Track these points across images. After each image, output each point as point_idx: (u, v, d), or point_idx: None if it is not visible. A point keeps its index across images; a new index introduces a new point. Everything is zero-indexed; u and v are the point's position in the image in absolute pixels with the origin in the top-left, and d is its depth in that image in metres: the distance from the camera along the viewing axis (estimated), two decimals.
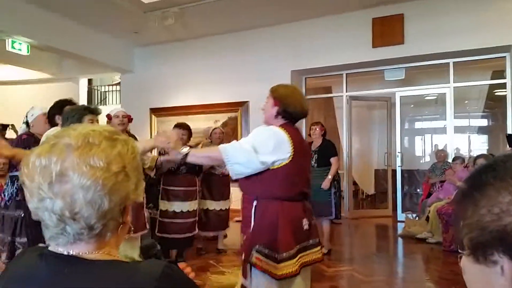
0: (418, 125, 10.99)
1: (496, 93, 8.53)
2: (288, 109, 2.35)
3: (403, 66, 7.72)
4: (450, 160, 7.13)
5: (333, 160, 5.39)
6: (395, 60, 7.40)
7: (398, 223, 7.50)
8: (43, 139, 2.86)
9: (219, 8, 7.18)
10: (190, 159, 2.39)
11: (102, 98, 13.71)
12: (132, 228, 3.35)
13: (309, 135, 5.68)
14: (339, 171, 5.73)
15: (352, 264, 5.09)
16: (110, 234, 0.85)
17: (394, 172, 8.36)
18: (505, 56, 7.03)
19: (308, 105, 2.49)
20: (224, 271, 4.33)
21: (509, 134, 5.61)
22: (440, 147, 8.43)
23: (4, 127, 5.47)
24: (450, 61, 7.37)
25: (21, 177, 0.84)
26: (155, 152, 4.90)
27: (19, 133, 3.89)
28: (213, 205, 5.28)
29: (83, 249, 0.83)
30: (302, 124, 7.02)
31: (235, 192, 5.74)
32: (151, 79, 9.23)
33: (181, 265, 1.16)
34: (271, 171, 2.26)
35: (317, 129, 5.55)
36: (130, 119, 4.07)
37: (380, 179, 9.58)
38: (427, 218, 6.28)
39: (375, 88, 8.78)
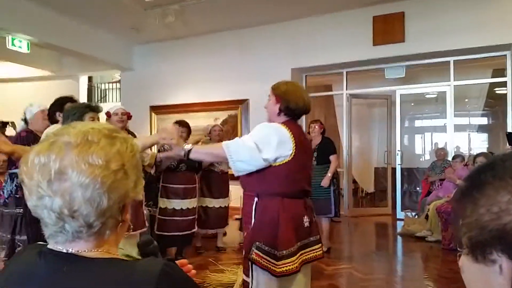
0: (418, 123, 11.00)
1: (496, 92, 8.53)
2: (290, 106, 2.36)
3: (403, 64, 7.71)
4: (450, 159, 7.14)
5: (332, 158, 5.39)
6: (395, 58, 7.39)
7: (398, 221, 7.51)
8: (43, 136, 2.86)
9: (219, 6, 7.18)
10: (193, 156, 2.40)
11: (102, 96, 13.70)
12: (131, 226, 3.35)
13: (308, 133, 5.68)
14: (338, 169, 5.73)
15: (352, 262, 5.10)
16: (109, 232, 0.85)
17: (394, 170, 8.37)
18: (505, 55, 7.02)
19: (310, 101, 2.48)
20: (223, 269, 4.33)
21: (509, 133, 5.61)
22: (440, 145, 8.44)
23: (4, 124, 5.46)
24: (451, 59, 7.36)
25: (20, 175, 0.84)
26: (154, 149, 4.90)
27: (17, 130, 3.88)
28: (213, 203, 5.29)
29: (82, 247, 0.83)
30: (301, 122, 7.01)
31: (234, 190, 5.78)
32: (151, 76, 9.22)
33: (182, 262, 1.16)
34: (273, 168, 2.26)
35: (316, 127, 5.55)
36: (129, 117, 4.06)
37: (379, 177, 9.59)
38: (427, 217, 6.28)
39: (375, 86, 8.79)
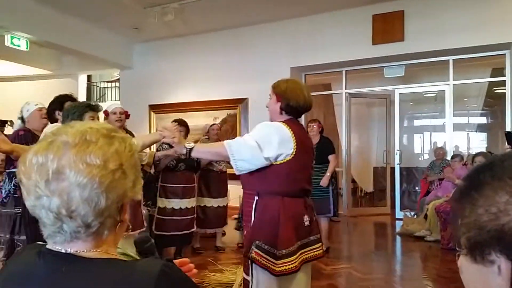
0: (417, 122, 11.01)
1: (495, 91, 8.54)
2: (291, 104, 2.35)
3: (402, 63, 7.71)
4: (449, 158, 7.14)
5: (331, 157, 5.39)
6: (394, 57, 7.40)
7: (397, 221, 7.51)
8: (42, 136, 2.85)
9: (219, 5, 7.17)
10: (194, 154, 2.40)
11: (101, 95, 13.70)
12: (130, 227, 3.34)
13: (307, 132, 5.67)
14: (336, 169, 5.73)
15: (351, 262, 5.10)
16: (108, 232, 0.85)
17: (392, 170, 8.37)
18: (504, 54, 7.03)
19: (312, 97, 2.47)
20: (222, 269, 4.33)
21: (508, 132, 5.60)
22: (439, 145, 8.44)
23: (3, 123, 5.45)
24: (450, 58, 7.37)
25: (18, 174, 0.84)
26: (153, 148, 4.90)
27: (14, 129, 3.85)
28: (211, 202, 5.28)
29: (80, 247, 0.83)
30: (301, 121, 7.01)
31: (233, 189, 5.78)
32: (150, 75, 9.22)
33: (184, 261, 1.16)
34: (273, 167, 2.26)
35: (315, 126, 5.54)
36: (127, 116, 4.05)
37: (378, 176, 9.60)
38: (426, 216, 6.29)
39: (374, 85, 8.79)
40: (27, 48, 7.37)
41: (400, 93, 8.10)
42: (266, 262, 2.22)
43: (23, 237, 3.37)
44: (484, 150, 8.49)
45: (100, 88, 13.81)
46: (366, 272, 4.65)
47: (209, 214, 5.28)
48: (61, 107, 3.56)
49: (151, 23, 7.53)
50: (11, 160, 3.44)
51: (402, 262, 5.48)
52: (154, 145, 4.59)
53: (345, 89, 8.36)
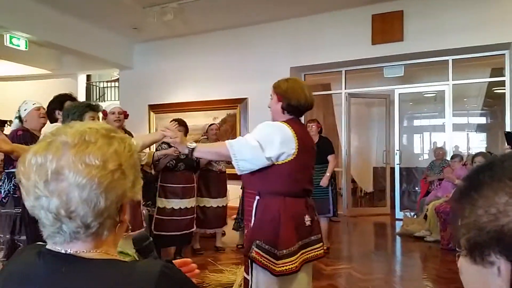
0: (416, 122, 11.00)
1: (495, 91, 8.54)
2: (292, 103, 2.35)
3: (402, 63, 7.71)
4: (448, 158, 7.14)
5: (330, 157, 5.38)
6: (394, 57, 7.40)
7: (396, 221, 7.51)
8: (41, 136, 2.84)
9: (219, 4, 7.18)
10: (196, 154, 2.39)
11: (100, 94, 13.70)
12: (130, 227, 3.34)
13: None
14: (335, 169, 5.72)
15: (350, 262, 5.10)
16: (107, 233, 0.85)
17: (392, 170, 8.36)
18: (504, 54, 7.03)
19: (313, 96, 2.46)
20: (222, 269, 4.32)
21: (508, 132, 5.60)
22: (439, 145, 8.44)
23: (3, 123, 5.44)
24: (449, 58, 7.37)
25: (17, 175, 0.84)
26: (153, 148, 4.90)
27: (12, 128, 3.81)
28: (211, 203, 5.28)
29: (80, 248, 0.83)
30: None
31: (232, 189, 5.78)
32: (150, 75, 9.22)
33: (186, 261, 1.15)
34: (275, 167, 2.26)
35: (314, 126, 5.53)
36: (126, 116, 4.03)
37: (378, 177, 9.59)
38: (425, 216, 6.28)
39: (374, 85, 8.80)
40: (26, 48, 7.37)
41: (399, 93, 8.10)
42: (266, 262, 2.22)
43: (24, 237, 3.36)
44: (483, 150, 8.49)
45: (99, 88, 13.81)
46: (366, 272, 4.65)
47: (209, 214, 5.27)
48: (61, 107, 3.55)
49: (151, 23, 7.52)
50: (10, 160, 3.43)
51: (402, 262, 5.48)
52: (154, 145, 4.59)
53: (345, 89, 8.36)
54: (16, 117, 3.71)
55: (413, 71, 8.30)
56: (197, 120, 7.91)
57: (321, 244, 2.47)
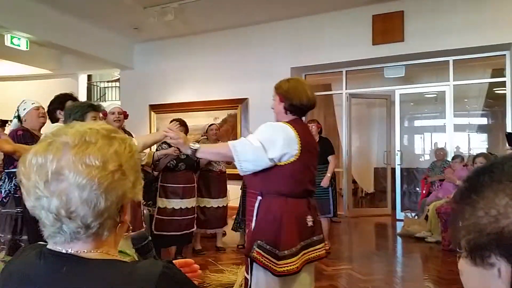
0: (417, 123, 10.99)
1: (496, 91, 8.52)
2: (294, 103, 2.35)
3: (403, 63, 7.71)
4: (449, 159, 7.13)
5: (330, 158, 5.39)
6: (395, 57, 7.39)
7: (397, 222, 7.50)
8: (43, 136, 2.84)
9: (219, 5, 7.18)
10: (199, 155, 2.40)
11: (101, 94, 13.70)
12: (131, 227, 3.33)
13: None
14: (336, 169, 5.72)
15: (351, 263, 5.10)
16: (108, 233, 0.85)
17: (393, 170, 8.36)
18: (505, 54, 7.02)
19: (315, 95, 2.46)
20: (223, 269, 4.33)
21: (509, 133, 5.61)
22: (440, 146, 8.42)
23: (4, 122, 5.44)
24: (450, 59, 7.36)
25: (18, 175, 0.84)
26: (153, 148, 4.89)
27: (11, 128, 3.80)
28: (211, 203, 5.27)
29: (81, 248, 0.83)
30: None
31: (233, 189, 5.78)
32: (150, 75, 9.22)
33: (188, 261, 1.15)
34: (278, 167, 2.26)
35: (314, 126, 5.53)
36: (126, 116, 4.02)
37: (379, 177, 9.59)
38: (426, 217, 6.28)
39: (374, 86, 8.79)
40: (27, 48, 7.37)
41: (400, 94, 8.09)
42: (267, 262, 2.22)
43: (25, 237, 3.36)
44: (484, 151, 8.47)
45: (100, 88, 13.81)
46: (367, 273, 4.65)
47: (209, 214, 5.27)
48: (62, 106, 3.54)
49: (151, 23, 7.53)
50: (10, 160, 3.43)
51: (403, 263, 5.47)
52: (154, 145, 4.59)
53: (345, 89, 8.35)
54: (15, 117, 3.69)
55: (414, 71, 8.30)
56: (198, 120, 7.91)
57: (323, 244, 2.47)
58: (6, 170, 3.52)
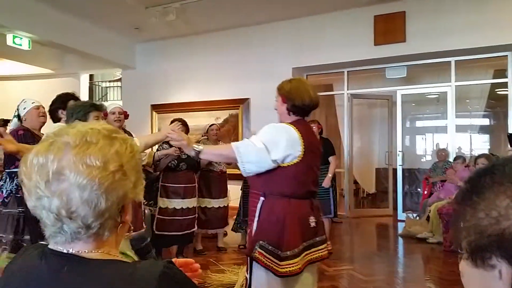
0: (419, 123, 10.97)
1: (497, 92, 8.50)
2: (296, 103, 2.35)
3: (404, 64, 7.70)
4: (451, 160, 7.12)
5: (331, 159, 5.39)
6: (396, 58, 7.38)
7: (399, 223, 7.50)
8: (44, 136, 2.83)
9: (221, 5, 7.18)
10: (202, 156, 2.40)
11: (103, 94, 13.71)
12: (132, 228, 3.33)
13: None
14: (336, 170, 5.72)
15: (353, 263, 5.10)
16: (108, 234, 0.85)
17: (395, 171, 8.35)
18: (507, 55, 7.02)
19: (318, 95, 2.45)
20: (224, 270, 4.33)
21: (511, 134, 5.60)
22: (441, 146, 8.40)
23: (6, 122, 5.45)
24: (452, 59, 7.35)
25: (20, 175, 0.84)
26: (154, 148, 4.89)
27: (11, 127, 3.78)
28: (212, 203, 5.27)
29: (82, 248, 0.84)
30: None
31: (233, 190, 5.78)
32: (152, 75, 9.23)
33: (188, 261, 1.16)
34: (281, 169, 2.26)
35: (314, 127, 5.52)
36: (126, 116, 4.02)
37: (381, 178, 9.58)
38: (428, 218, 6.27)
39: (376, 86, 8.78)
40: (29, 47, 7.38)
41: (402, 94, 8.09)
42: (269, 262, 2.22)
43: (27, 237, 3.36)
44: (486, 151, 8.47)
45: (102, 87, 13.82)
46: (368, 273, 4.65)
47: (210, 214, 5.27)
48: (64, 106, 3.53)
49: (153, 23, 7.53)
50: (11, 160, 3.43)
51: (404, 264, 5.47)
52: (156, 145, 4.59)
53: (347, 90, 8.35)
54: (15, 116, 3.68)
55: (415, 72, 8.29)
56: (199, 120, 7.91)
57: (325, 245, 2.47)
58: (7, 170, 3.51)
